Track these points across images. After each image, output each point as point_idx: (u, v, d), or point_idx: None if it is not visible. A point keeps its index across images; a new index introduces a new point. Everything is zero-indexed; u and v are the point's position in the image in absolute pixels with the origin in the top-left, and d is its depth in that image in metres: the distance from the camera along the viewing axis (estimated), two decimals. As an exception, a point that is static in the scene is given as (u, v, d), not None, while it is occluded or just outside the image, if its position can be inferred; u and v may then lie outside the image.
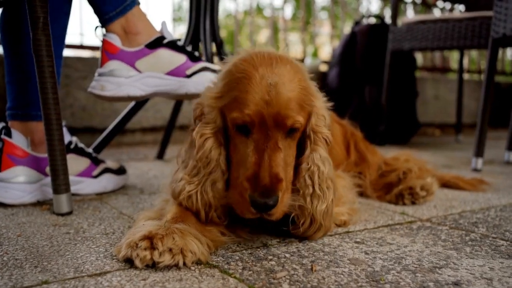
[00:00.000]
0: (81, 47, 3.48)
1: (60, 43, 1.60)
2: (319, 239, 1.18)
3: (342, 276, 0.93)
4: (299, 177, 1.12)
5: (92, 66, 3.21)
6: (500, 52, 6.50)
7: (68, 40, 3.58)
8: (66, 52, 3.30)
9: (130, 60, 1.54)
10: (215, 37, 2.11)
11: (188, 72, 1.57)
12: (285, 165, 1.06)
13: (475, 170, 2.34)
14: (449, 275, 0.95)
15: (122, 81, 1.52)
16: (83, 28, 3.47)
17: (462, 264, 1.01)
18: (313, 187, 1.11)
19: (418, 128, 3.96)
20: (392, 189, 1.66)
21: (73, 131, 2.80)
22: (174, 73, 1.56)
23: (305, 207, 1.11)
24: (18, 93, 1.55)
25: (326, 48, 5.87)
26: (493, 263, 1.02)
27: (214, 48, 2.16)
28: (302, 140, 1.13)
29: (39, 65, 1.31)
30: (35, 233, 1.19)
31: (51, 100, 1.33)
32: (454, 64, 5.92)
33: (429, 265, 1.00)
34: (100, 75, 1.55)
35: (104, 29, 1.57)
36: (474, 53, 6.38)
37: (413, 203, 1.60)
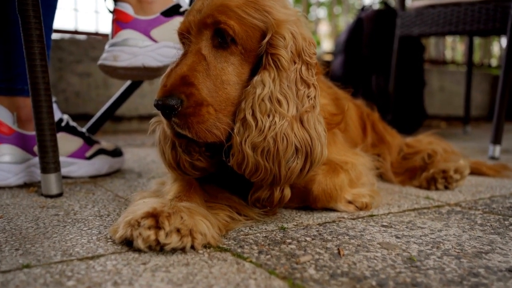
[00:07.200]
0: (75, 32, 3.33)
1: (50, 12, 1.45)
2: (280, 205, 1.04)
3: (375, 261, 0.80)
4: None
5: (87, 50, 3.06)
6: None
7: (62, 26, 3.43)
8: (60, 36, 3.15)
9: (145, 29, 1.42)
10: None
11: None
12: (214, 79, 0.91)
13: (493, 158, 2.21)
14: (499, 261, 0.81)
15: (137, 51, 1.40)
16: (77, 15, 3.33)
17: (510, 249, 0.88)
18: (244, 113, 0.92)
19: (426, 118, 3.83)
20: (417, 172, 1.52)
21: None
22: None
23: (233, 136, 0.92)
24: (2, 65, 1.40)
25: (324, 45, 5.74)
26: (545, 248, 0.89)
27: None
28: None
29: (25, 27, 1.17)
30: (19, 215, 1.05)
31: (38, 67, 1.18)
32: (458, 57, 5.79)
33: (472, 250, 0.87)
34: (112, 45, 1.43)
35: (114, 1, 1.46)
36: (477, 50, 6.26)
37: (446, 187, 1.46)
